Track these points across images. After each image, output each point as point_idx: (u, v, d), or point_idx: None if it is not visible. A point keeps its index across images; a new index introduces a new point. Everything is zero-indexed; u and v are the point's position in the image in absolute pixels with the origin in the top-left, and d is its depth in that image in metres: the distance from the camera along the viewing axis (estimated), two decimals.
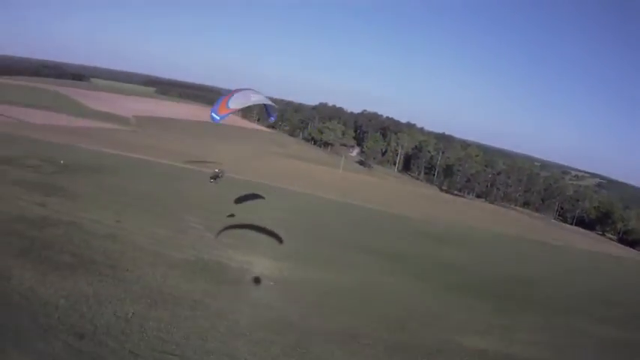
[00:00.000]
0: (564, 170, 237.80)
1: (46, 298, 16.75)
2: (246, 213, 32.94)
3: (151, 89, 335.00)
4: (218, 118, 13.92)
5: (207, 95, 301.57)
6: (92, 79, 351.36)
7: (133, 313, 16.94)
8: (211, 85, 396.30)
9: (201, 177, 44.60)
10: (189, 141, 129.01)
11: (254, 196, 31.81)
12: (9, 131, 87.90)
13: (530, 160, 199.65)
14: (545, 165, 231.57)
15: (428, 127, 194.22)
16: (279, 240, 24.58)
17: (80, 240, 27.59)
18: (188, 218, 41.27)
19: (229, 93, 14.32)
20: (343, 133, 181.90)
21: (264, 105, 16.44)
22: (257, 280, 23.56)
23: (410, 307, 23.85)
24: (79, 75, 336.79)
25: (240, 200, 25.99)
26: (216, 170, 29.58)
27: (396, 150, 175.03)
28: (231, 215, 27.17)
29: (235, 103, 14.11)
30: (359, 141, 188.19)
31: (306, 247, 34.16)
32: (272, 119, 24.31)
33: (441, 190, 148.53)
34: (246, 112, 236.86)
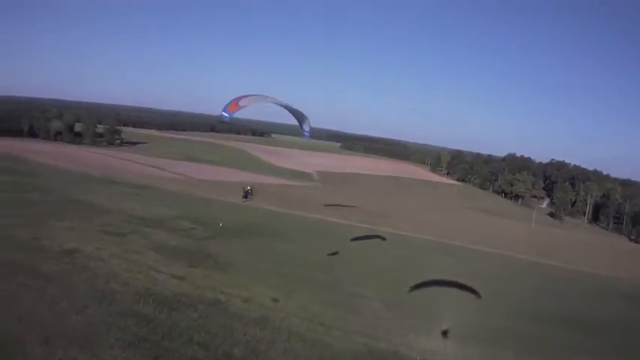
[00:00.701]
0: None
1: None
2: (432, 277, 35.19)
3: (336, 144, 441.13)
4: (227, 115, 22.12)
5: (393, 149, 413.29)
6: (274, 135, 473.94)
7: None
8: (397, 138, 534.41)
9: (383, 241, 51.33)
10: (372, 196, 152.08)
11: (374, 237, 44.49)
12: (173, 189, 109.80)
13: None
14: None
15: (613, 174, 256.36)
16: (477, 295, 27.11)
17: (219, 326, 29.70)
18: (362, 292, 43.52)
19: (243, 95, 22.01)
20: (533, 185, 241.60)
21: (295, 116, 24.72)
22: (445, 334, 28.98)
23: None
24: (260, 131, 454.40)
25: (357, 239, 35.50)
26: (248, 188, 38.25)
27: (585, 200, 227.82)
28: (335, 253, 36.50)
29: (246, 101, 21.63)
30: (548, 192, 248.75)
31: (496, 323, 39.32)
32: (306, 134, 33.12)
33: (630, 239, 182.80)
34: (434, 165, 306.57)
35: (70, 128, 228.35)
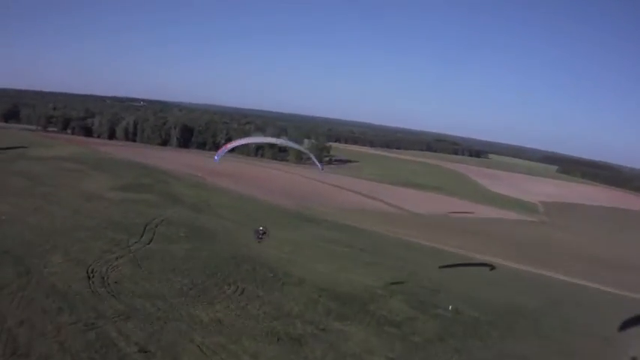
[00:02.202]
0: None
1: None
2: None
3: (552, 167, 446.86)
4: (216, 157, 45.99)
5: (609, 174, 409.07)
6: (490, 156, 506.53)
7: None
8: (615, 163, 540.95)
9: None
10: (605, 235, 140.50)
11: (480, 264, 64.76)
12: (385, 230, 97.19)
13: None
14: None
15: None
16: None
17: None
18: None
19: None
20: None
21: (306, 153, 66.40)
22: None
23: None
24: (476, 151, 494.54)
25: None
26: (260, 228, 48.72)
27: None
28: None
29: (234, 143, 49.94)
30: None
31: None
32: (321, 168, 56.21)
33: None
34: None
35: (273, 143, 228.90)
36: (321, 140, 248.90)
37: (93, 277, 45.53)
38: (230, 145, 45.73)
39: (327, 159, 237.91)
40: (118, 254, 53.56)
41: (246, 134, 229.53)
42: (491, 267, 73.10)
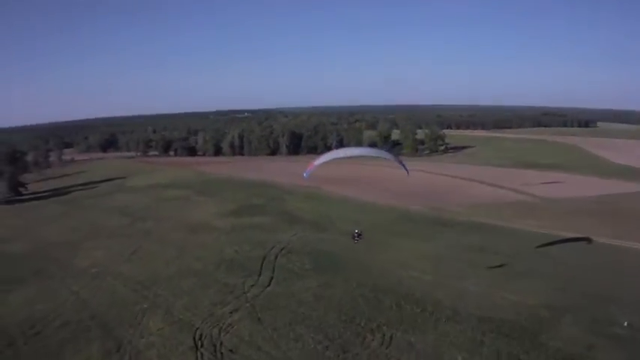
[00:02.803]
0: None
1: None
2: None
3: None
4: (305, 175, 48.58)
5: None
6: (599, 124, 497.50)
7: None
8: None
9: None
10: None
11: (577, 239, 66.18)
12: (527, 225, 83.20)
13: None
14: None
15: None
16: None
17: None
18: None
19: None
20: None
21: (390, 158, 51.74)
22: None
23: None
24: (584, 121, 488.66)
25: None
26: (356, 231, 54.01)
27: None
28: None
29: (321, 160, 47.31)
30: None
31: None
32: (407, 173, 48.37)
33: None
34: None
35: (386, 138, 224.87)
36: (434, 129, 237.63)
37: (202, 345, 37.61)
38: (317, 162, 47.05)
39: (442, 147, 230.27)
40: (232, 306, 45.40)
41: (358, 133, 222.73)
42: (589, 240, 73.07)
